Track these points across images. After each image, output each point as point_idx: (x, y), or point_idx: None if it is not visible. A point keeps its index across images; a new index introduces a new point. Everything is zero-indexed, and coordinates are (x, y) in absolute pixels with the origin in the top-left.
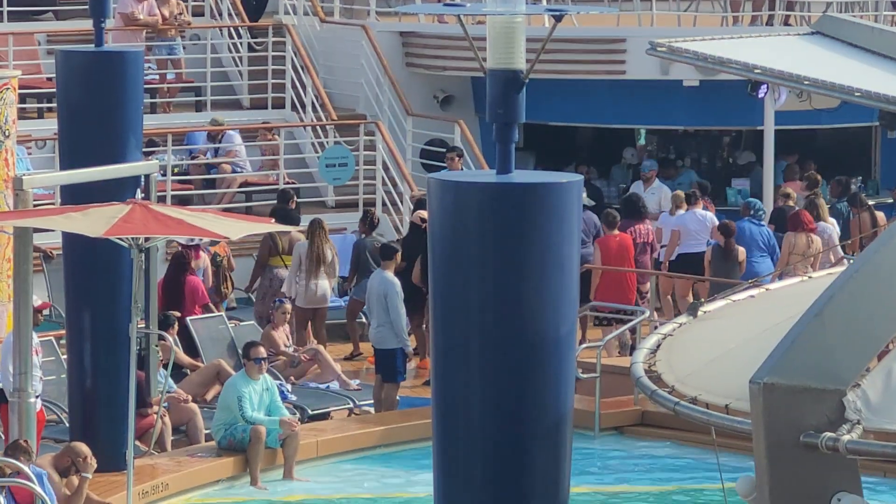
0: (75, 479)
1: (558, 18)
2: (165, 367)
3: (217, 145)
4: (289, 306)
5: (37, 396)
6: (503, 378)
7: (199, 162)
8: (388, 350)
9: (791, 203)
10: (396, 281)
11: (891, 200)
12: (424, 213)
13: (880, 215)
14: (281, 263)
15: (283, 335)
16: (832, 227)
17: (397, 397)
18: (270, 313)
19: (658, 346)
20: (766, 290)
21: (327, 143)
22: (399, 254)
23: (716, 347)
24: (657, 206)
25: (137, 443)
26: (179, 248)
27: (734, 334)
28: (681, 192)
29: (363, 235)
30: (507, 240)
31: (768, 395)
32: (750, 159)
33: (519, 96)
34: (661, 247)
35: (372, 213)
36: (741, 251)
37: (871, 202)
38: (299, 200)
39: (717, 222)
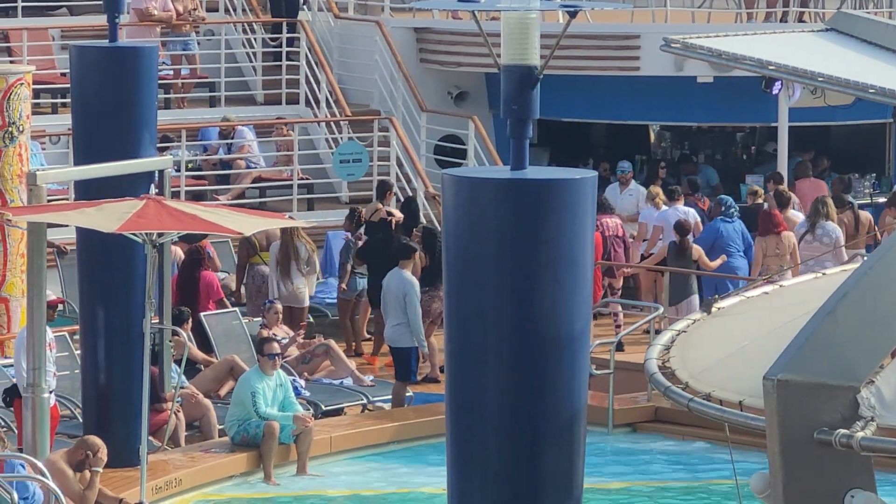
0: (89, 474)
1: (573, 14)
2: (179, 362)
3: (229, 141)
4: (279, 306)
5: (50, 392)
6: (517, 374)
7: (210, 158)
8: (403, 349)
9: (759, 200)
10: (415, 281)
11: None
12: (391, 207)
13: (864, 215)
14: (261, 261)
15: (279, 335)
16: (838, 228)
17: (410, 393)
18: (262, 314)
19: (672, 342)
20: (780, 286)
21: (341, 138)
22: (417, 253)
23: (729, 344)
24: (635, 208)
25: (151, 438)
26: (192, 245)
27: (748, 331)
28: (657, 188)
29: (349, 234)
30: (522, 236)
31: (782, 392)
32: (773, 148)
33: (533, 92)
34: (644, 241)
35: (359, 211)
36: (696, 249)
37: (882, 199)
38: (313, 196)
39: (698, 218)
